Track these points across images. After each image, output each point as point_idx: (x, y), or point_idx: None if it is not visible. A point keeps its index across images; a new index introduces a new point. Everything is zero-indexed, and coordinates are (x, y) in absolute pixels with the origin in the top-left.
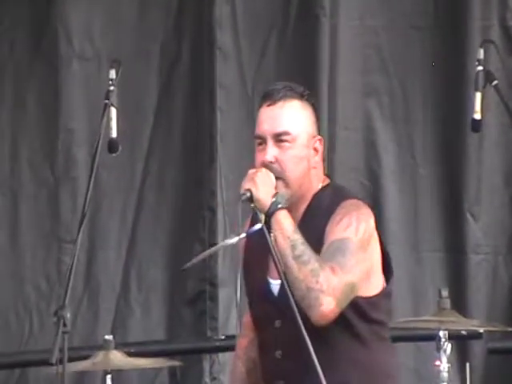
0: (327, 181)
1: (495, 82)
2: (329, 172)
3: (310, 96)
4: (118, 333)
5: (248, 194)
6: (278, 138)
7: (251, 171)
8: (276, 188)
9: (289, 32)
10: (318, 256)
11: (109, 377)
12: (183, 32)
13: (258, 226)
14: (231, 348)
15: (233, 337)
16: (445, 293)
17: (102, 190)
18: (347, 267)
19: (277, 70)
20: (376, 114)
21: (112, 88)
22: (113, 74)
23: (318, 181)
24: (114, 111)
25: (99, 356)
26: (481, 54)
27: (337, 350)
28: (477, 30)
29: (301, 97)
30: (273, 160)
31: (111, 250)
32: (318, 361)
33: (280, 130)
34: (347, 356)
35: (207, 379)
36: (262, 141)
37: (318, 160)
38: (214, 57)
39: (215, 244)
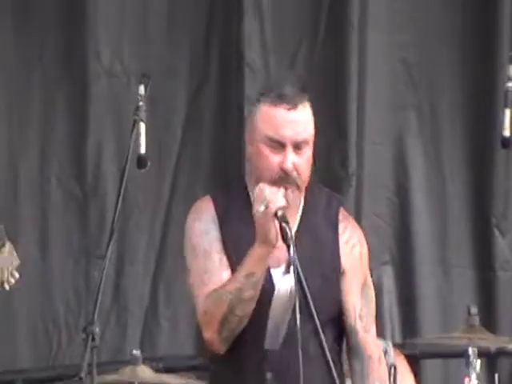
0: None
1: None
2: (357, 187)
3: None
4: (146, 347)
5: (280, 213)
6: (298, 145)
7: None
8: (286, 194)
9: (317, 47)
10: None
11: None
12: (212, 48)
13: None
14: None
15: None
16: (474, 310)
17: (130, 205)
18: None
19: (305, 84)
20: (405, 129)
21: (141, 103)
22: (142, 89)
23: None
24: (142, 127)
25: (127, 371)
26: (510, 70)
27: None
28: (506, 47)
29: (307, 97)
30: (293, 167)
31: (139, 264)
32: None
33: (302, 138)
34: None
35: None
36: (279, 145)
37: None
38: (242, 73)
39: None
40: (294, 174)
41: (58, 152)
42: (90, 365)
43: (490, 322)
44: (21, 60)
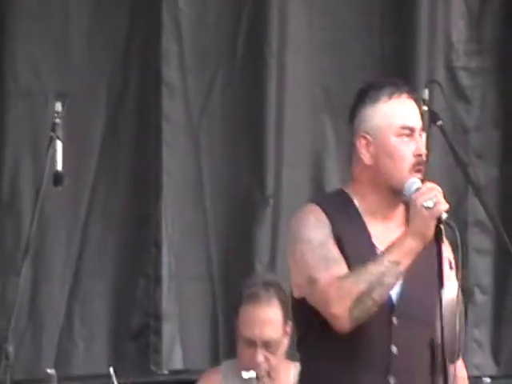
0: None
1: (440, 123)
2: (275, 211)
3: None
4: (61, 367)
5: (445, 216)
6: (420, 130)
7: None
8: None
9: (236, 69)
10: None
11: None
12: (130, 67)
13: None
14: (174, 383)
15: (176, 372)
16: None
17: (46, 222)
18: None
19: (223, 105)
20: (323, 154)
21: (57, 121)
22: (58, 106)
23: None
24: (59, 144)
25: None
26: (426, 94)
27: None
28: (422, 71)
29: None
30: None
31: (55, 282)
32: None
33: (422, 124)
34: None
35: None
36: (410, 131)
37: None
38: (160, 92)
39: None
40: (425, 158)
41: None
42: (3, 383)
43: None
44: None
